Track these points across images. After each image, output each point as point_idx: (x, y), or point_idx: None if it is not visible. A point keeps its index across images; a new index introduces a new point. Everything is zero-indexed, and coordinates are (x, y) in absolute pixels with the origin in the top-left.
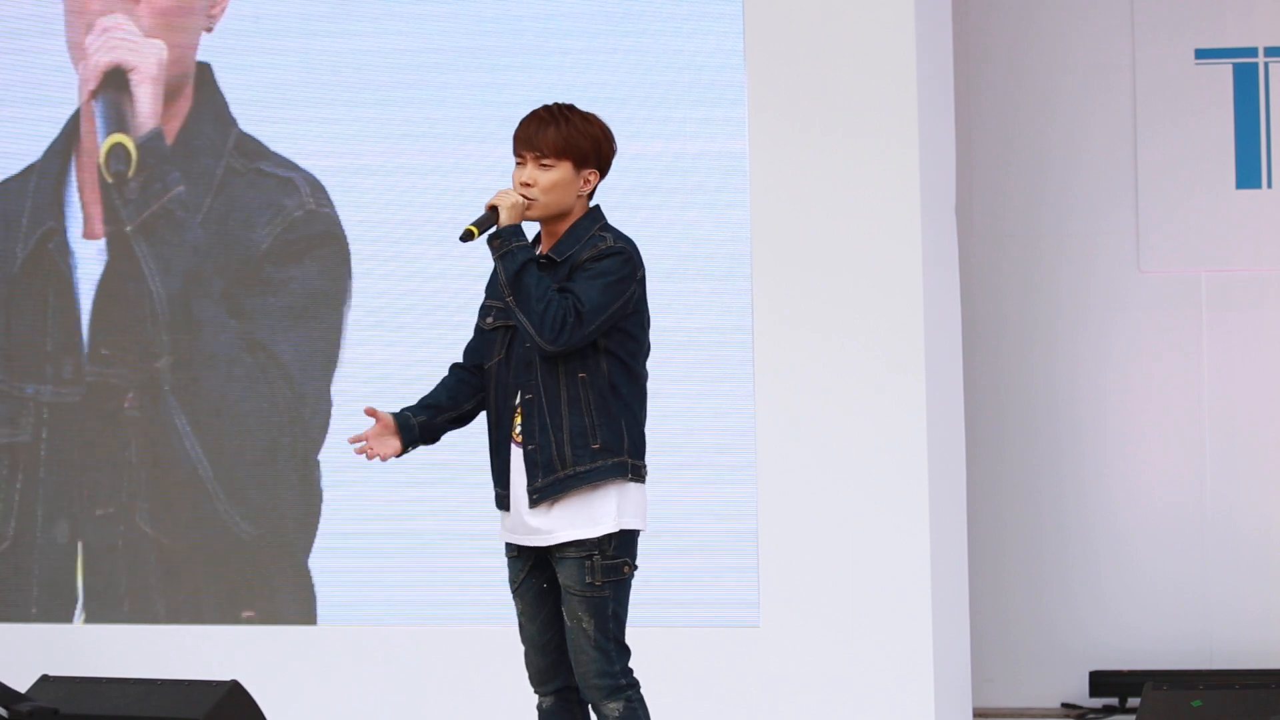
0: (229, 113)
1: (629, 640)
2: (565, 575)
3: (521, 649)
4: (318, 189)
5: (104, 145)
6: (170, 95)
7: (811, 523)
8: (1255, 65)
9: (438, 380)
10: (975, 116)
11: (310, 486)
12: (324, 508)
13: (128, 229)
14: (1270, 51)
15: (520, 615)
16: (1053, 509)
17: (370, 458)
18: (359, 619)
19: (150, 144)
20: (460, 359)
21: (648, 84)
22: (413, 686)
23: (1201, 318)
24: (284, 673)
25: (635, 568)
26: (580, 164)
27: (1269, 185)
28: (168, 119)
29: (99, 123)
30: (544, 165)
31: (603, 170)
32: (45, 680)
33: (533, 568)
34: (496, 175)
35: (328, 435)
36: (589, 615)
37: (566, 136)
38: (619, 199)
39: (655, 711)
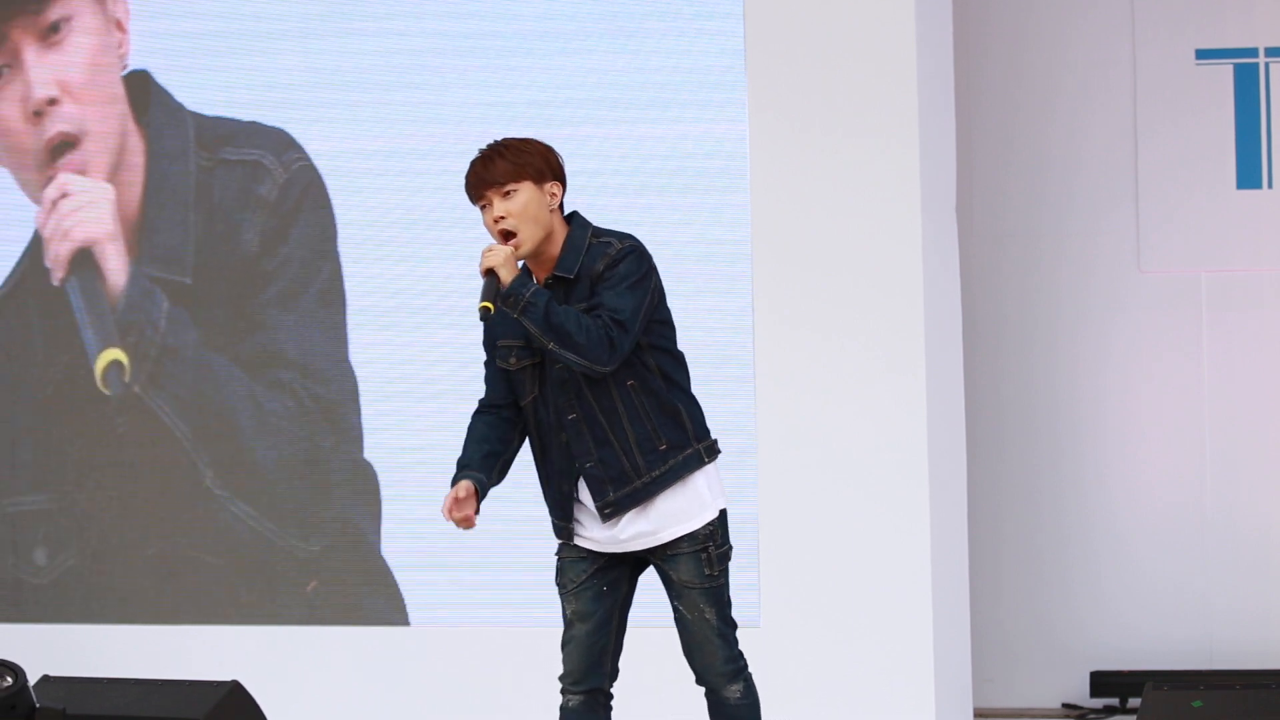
0: (182, 109)
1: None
2: (681, 571)
3: (512, 651)
4: (284, 146)
5: (98, 366)
6: (119, 167)
7: (811, 523)
8: (1255, 65)
9: (467, 425)
10: (975, 116)
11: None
12: (324, 509)
13: (135, 389)
14: (1271, 52)
15: (571, 616)
16: (1053, 509)
17: (472, 527)
18: (360, 619)
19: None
20: (484, 403)
21: (648, 84)
22: (413, 686)
23: (1201, 318)
24: (284, 673)
25: (733, 547)
26: (538, 179)
27: (1269, 185)
28: (124, 188)
29: (79, 314)
30: (507, 194)
31: (562, 181)
32: (45, 680)
33: (598, 570)
34: None
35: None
36: (710, 605)
37: (514, 161)
38: (620, 198)
39: (655, 711)
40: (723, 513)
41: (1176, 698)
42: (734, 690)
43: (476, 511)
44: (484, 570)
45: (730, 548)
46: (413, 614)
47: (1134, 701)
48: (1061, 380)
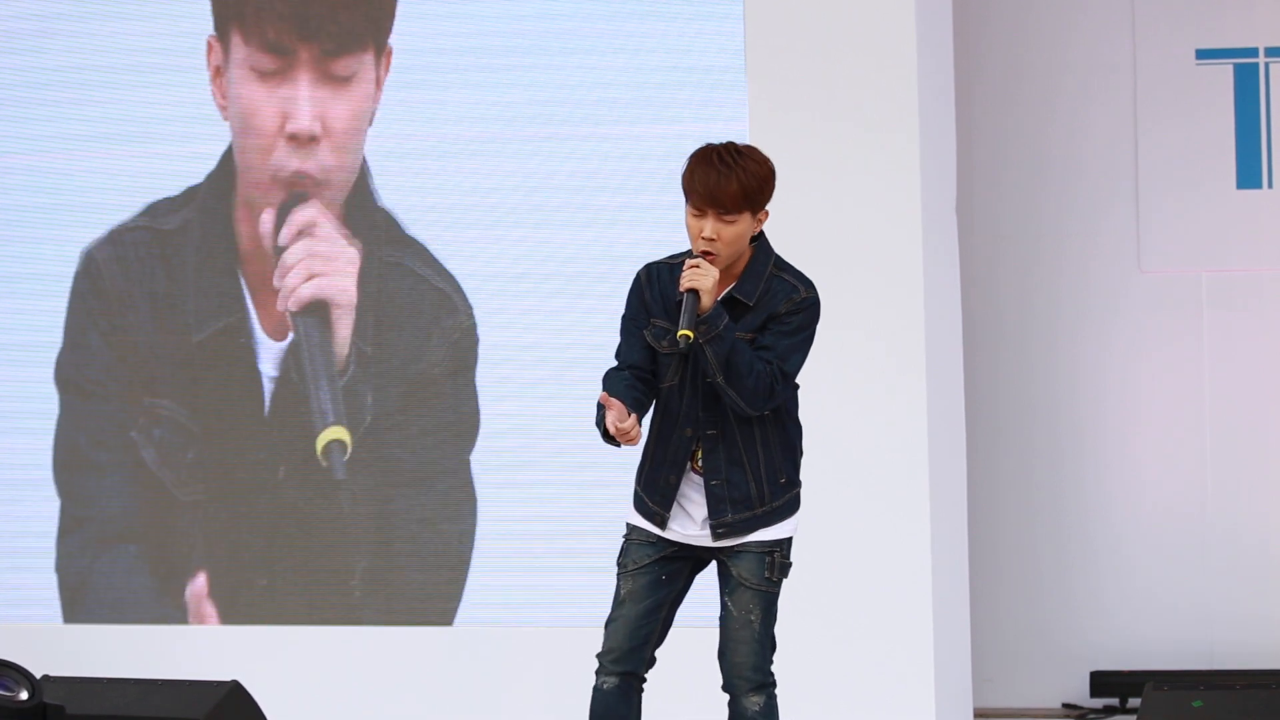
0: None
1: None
2: (743, 568)
3: (511, 651)
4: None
5: (320, 440)
6: None
7: (812, 522)
8: (1256, 65)
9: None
10: (975, 116)
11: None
12: (325, 509)
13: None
14: (1271, 51)
15: (626, 594)
16: (1053, 508)
17: (635, 438)
18: (359, 619)
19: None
20: (623, 362)
21: (648, 83)
22: (413, 686)
23: (1201, 318)
24: (284, 673)
25: (792, 565)
26: (757, 210)
27: (1269, 185)
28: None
29: (305, 352)
30: (727, 221)
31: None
32: (45, 680)
33: (663, 558)
34: (497, 188)
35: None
36: (759, 609)
37: (745, 187)
38: (620, 197)
39: (654, 711)
40: (791, 536)
41: (1176, 698)
42: (755, 701)
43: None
44: (484, 570)
45: (791, 564)
46: (412, 614)
47: (1134, 701)
48: (1061, 380)
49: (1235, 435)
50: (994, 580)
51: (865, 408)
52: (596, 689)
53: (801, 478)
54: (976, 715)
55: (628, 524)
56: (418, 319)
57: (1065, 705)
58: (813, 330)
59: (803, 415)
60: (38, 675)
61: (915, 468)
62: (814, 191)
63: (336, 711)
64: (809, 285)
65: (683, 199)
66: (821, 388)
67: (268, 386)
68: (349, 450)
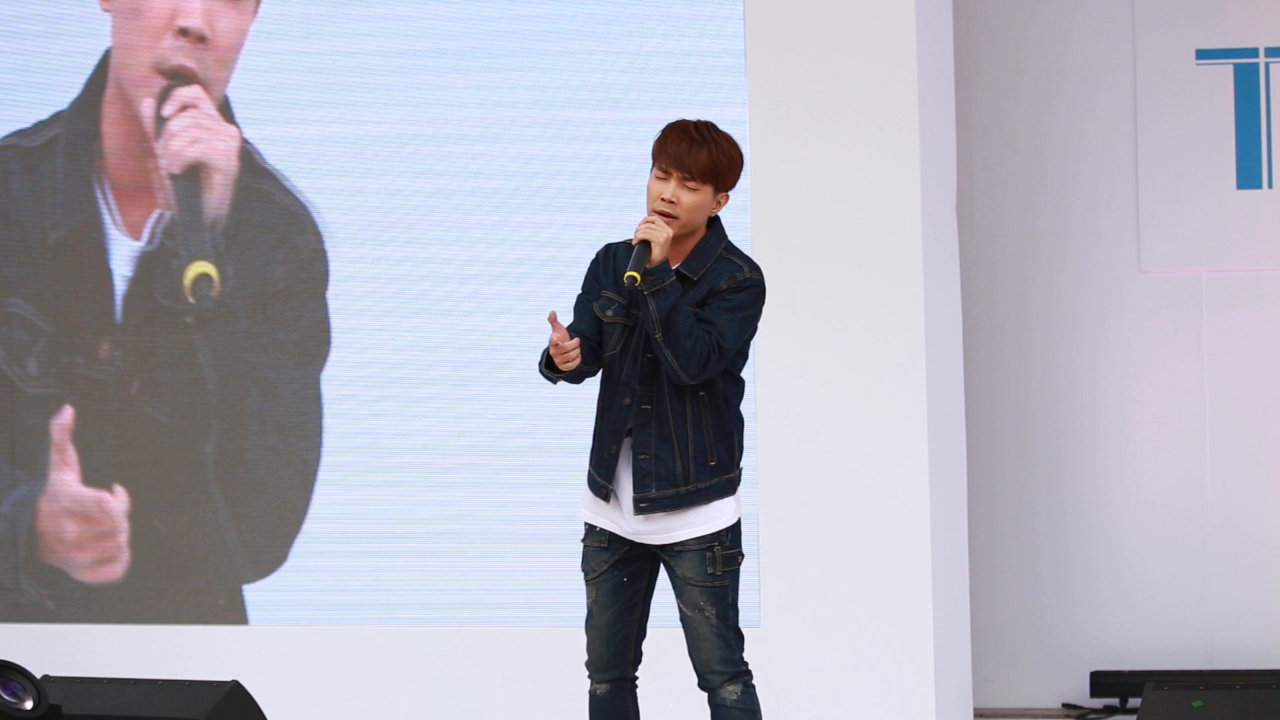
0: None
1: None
2: (685, 567)
3: (511, 651)
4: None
5: (189, 274)
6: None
7: (812, 522)
8: (1256, 65)
9: None
10: (975, 116)
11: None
12: (325, 509)
13: (188, 319)
14: (1271, 51)
15: (593, 604)
16: (1053, 508)
17: (573, 359)
18: (359, 619)
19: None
20: (570, 328)
21: (647, 83)
22: (413, 686)
23: (1201, 318)
24: (284, 673)
25: (744, 555)
26: (720, 187)
27: (1269, 185)
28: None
29: (177, 208)
30: (689, 187)
31: (731, 190)
32: (45, 680)
33: (618, 561)
34: (489, 177)
35: (324, 436)
36: (711, 604)
37: (715, 161)
38: (619, 198)
39: (655, 711)
40: (737, 521)
41: (1176, 698)
42: (731, 691)
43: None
44: (484, 570)
45: (740, 553)
46: (411, 614)
47: (1134, 701)
48: (1061, 380)
49: (1235, 435)
50: (994, 580)
51: (865, 407)
52: (591, 695)
53: (742, 466)
54: (976, 715)
55: (584, 523)
56: (268, 235)
57: (1065, 705)
58: (754, 312)
59: (801, 414)
60: (38, 676)
61: (915, 468)
62: (815, 191)
63: (336, 711)
64: (754, 268)
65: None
66: (821, 387)
67: (120, 287)
68: (216, 285)
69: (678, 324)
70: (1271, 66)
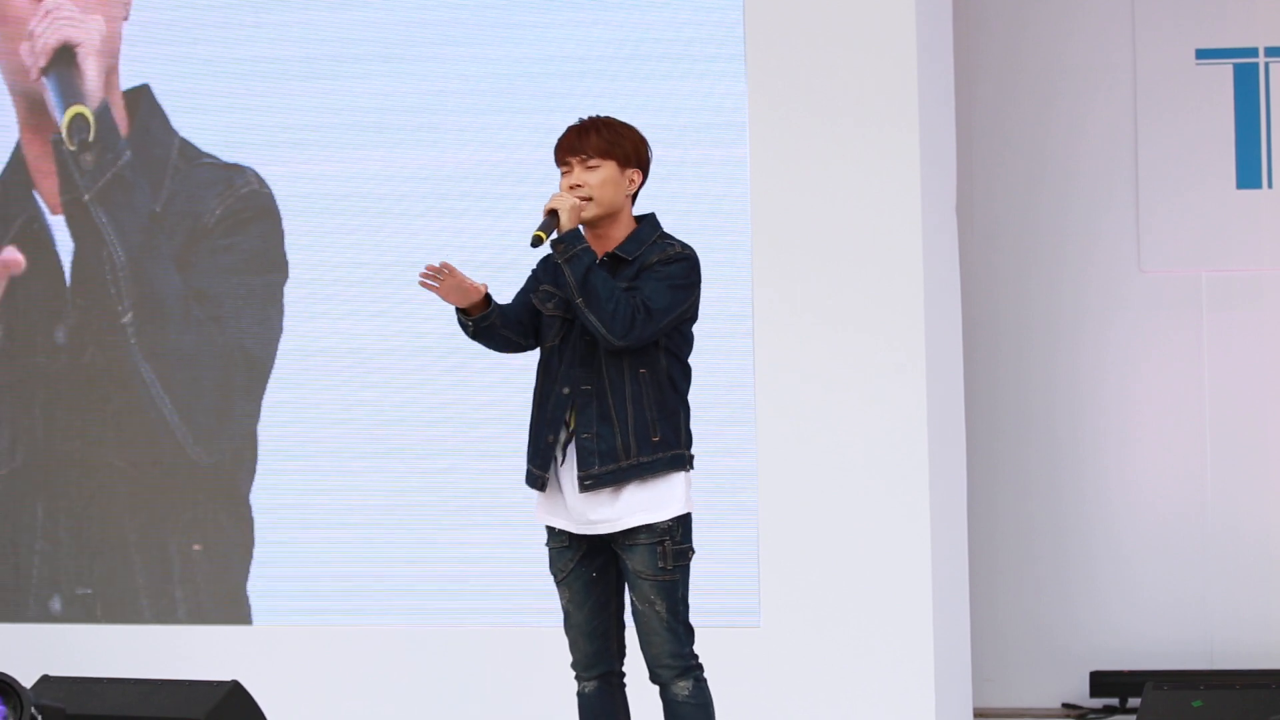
0: (170, 125)
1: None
2: (636, 561)
3: (511, 651)
4: (260, 179)
5: (65, 116)
6: (108, 74)
7: (812, 522)
8: (1255, 65)
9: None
10: (975, 116)
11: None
12: (325, 509)
13: (86, 198)
14: (1271, 51)
15: (567, 604)
16: (1053, 508)
17: (425, 285)
18: (359, 619)
19: (102, 114)
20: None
21: (648, 87)
22: (413, 686)
23: (1201, 318)
24: (284, 673)
25: (694, 551)
26: (624, 163)
27: (1269, 185)
28: (112, 104)
29: (54, 98)
30: (590, 167)
31: (644, 171)
32: (45, 680)
33: (582, 557)
34: (492, 179)
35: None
36: (661, 598)
37: (609, 139)
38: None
39: (654, 711)
40: (687, 515)
41: (1176, 698)
42: (682, 687)
43: (469, 313)
44: (484, 570)
45: (690, 549)
46: (411, 614)
47: (1134, 701)
48: (1061, 380)
49: (1235, 435)
50: (994, 580)
51: (865, 407)
52: (579, 694)
53: (693, 453)
54: (976, 715)
55: (544, 526)
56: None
57: (1065, 705)
58: (686, 282)
59: (801, 414)
60: (38, 675)
61: (915, 468)
62: (815, 191)
63: (336, 711)
64: (687, 246)
65: (684, 201)
66: (821, 387)
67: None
68: (92, 129)
69: (596, 285)
70: (1271, 66)
